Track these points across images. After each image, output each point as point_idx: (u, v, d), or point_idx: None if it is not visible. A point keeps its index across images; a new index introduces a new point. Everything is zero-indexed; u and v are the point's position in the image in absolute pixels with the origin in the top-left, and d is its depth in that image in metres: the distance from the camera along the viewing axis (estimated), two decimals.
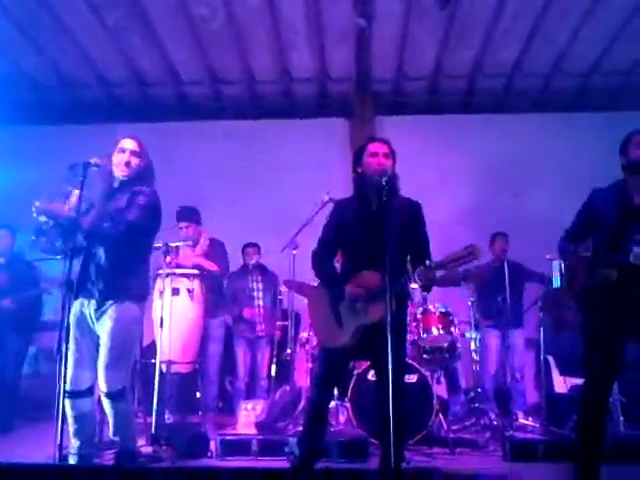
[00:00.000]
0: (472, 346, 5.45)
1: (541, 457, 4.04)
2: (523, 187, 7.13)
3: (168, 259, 4.77)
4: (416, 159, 6.43)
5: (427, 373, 4.61)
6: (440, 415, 4.58)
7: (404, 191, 3.43)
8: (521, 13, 6.14)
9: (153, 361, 4.54)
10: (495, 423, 4.90)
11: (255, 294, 5.85)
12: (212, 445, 4.18)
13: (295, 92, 7.60)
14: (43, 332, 5.80)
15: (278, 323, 5.79)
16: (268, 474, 2.81)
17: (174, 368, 4.71)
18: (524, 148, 7.17)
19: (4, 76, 6.99)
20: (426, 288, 3.43)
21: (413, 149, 6.31)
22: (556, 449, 4.01)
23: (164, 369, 4.59)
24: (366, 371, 4.53)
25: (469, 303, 5.52)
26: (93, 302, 3.34)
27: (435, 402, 4.49)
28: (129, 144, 3.48)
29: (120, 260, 3.34)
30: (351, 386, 4.54)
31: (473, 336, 5.44)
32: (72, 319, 3.23)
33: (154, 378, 4.41)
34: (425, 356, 4.92)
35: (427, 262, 3.09)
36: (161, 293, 4.65)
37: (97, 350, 3.34)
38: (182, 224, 5.29)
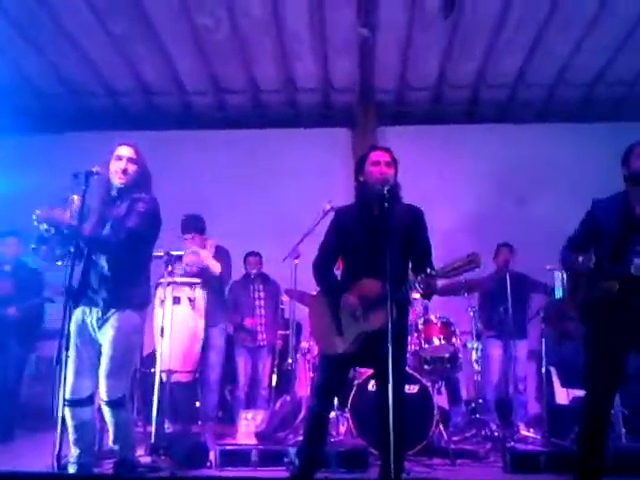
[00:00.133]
0: (473, 356, 5.43)
1: (542, 469, 4.01)
2: (526, 196, 7.12)
3: (170, 268, 4.77)
4: (419, 169, 6.45)
5: (428, 383, 4.59)
6: (441, 426, 4.56)
7: (407, 200, 3.42)
8: (524, 24, 6.15)
9: (153, 370, 4.53)
10: (496, 434, 4.86)
11: (257, 303, 5.85)
12: (211, 455, 4.16)
13: (299, 102, 7.64)
14: (45, 340, 5.79)
15: (279, 332, 5.79)
16: None
17: (174, 377, 4.70)
18: (527, 158, 7.17)
19: (8, 84, 7.04)
20: (427, 296, 3.42)
21: (416, 159, 6.32)
22: (557, 461, 3.99)
23: (164, 378, 4.58)
24: (366, 381, 4.51)
25: (471, 314, 5.50)
26: (95, 310, 3.34)
27: (436, 413, 4.46)
28: (126, 151, 3.48)
29: (121, 268, 3.34)
30: (351, 396, 4.52)
31: (475, 346, 5.42)
32: (73, 327, 3.23)
33: (154, 387, 4.40)
34: (426, 366, 4.90)
35: (428, 270, 3.08)
36: (162, 302, 4.65)
37: (98, 358, 3.33)
38: (187, 236, 5.29)
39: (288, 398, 5.07)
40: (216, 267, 5.17)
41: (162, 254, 4.59)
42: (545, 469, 4.00)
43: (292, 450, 4.02)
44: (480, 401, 5.29)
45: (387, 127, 7.46)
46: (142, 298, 3.51)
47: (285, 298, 5.72)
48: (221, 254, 5.35)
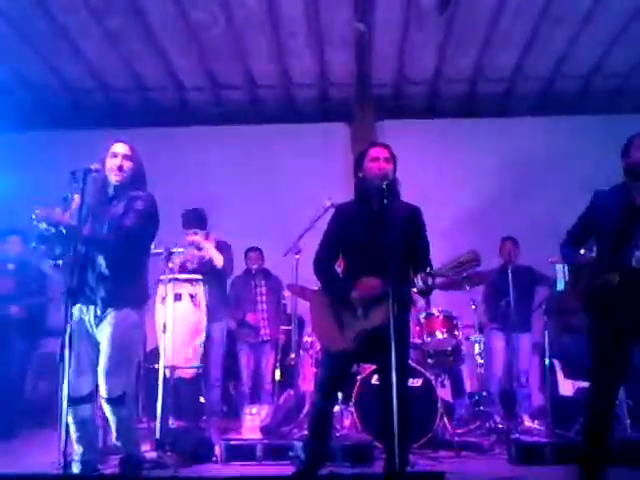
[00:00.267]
0: (476, 349, 5.43)
1: (547, 460, 4.01)
2: (525, 190, 7.13)
3: (170, 264, 4.76)
4: (417, 163, 6.44)
5: (431, 377, 4.60)
6: (445, 418, 4.56)
7: (406, 195, 3.43)
8: (520, 17, 6.14)
9: (156, 366, 4.53)
10: (500, 426, 4.87)
11: (259, 299, 5.85)
12: (217, 450, 4.16)
13: (296, 97, 7.62)
14: (48, 338, 5.81)
15: (282, 328, 5.78)
16: (273, 479, 2.82)
17: (177, 373, 4.70)
18: (526, 151, 7.17)
19: (5, 82, 7.01)
20: (424, 293, 3.40)
21: (414, 153, 6.32)
22: (562, 452, 4.00)
23: (168, 374, 4.58)
24: (370, 375, 4.51)
25: (473, 307, 5.50)
26: (92, 308, 3.34)
27: (440, 405, 4.47)
28: (121, 148, 3.47)
29: (119, 266, 3.33)
30: (355, 390, 4.52)
31: (477, 339, 5.43)
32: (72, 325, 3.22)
33: (158, 383, 4.40)
34: (429, 360, 4.90)
35: (428, 269, 3.11)
36: (163, 299, 4.64)
37: (97, 356, 3.33)
38: (188, 230, 5.28)
39: (292, 392, 5.08)
40: (219, 260, 5.16)
41: (162, 251, 4.58)
42: (550, 460, 4.00)
43: (297, 444, 4.03)
44: (484, 393, 5.29)
45: (385, 121, 7.45)
46: (140, 295, 3.51)
47: (287, 293, 5.72)
48: (223, 249, 5.35)
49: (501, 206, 7.05)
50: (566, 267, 4.15)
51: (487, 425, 4.91)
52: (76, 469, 3.26)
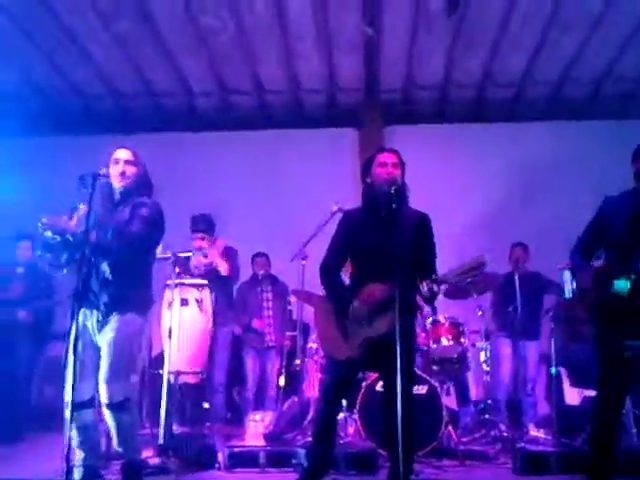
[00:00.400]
0: (482, 357, 5.39)
1: (552, 470, 3.97)
2: (534, 195, 7.10)
3: (177, 269, 4.77)
4: (426, 168, 6.42)
5: (437, 384, 4.56)
6: (450, 427, 4.53)
7: (414, 201, 3.42)
8: (529, 21, 6.11)
9: (161, 371, 4.53)
10: (506, 435, 4.82)
11: (265, 304, 5.85)
12: (220, 456, 4.15)
13: (304, 102, 7.63)
14: (55, 342, 5.83)
15: (287, 333, 5.78)
16: None
17: (182, 378, 4.70)
18: (535, 156, 7.14)
19: (15, 88, 7.06)
20: (429, 300, 3.38)
21: (423, 158, 6.30)
22: (568, 461, 3.96)
23: (172, 380, 4.58)
24: (375, 382, 4.48)
25: (479, 313, 5.46)
26: (95, 313, 3.35)
27: (445, 413, 4.43)
28: (122, 154, 3.48)
29: (123, 272, 3.34)
30: (359, 397, 4.49)
31: (484, 346, 5.39)
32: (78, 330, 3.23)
33: (162, 389, 4.40)
34: (434, 367, 4.88)
35: (433, 276, 3.10)
36: (170, 304, 4.64)
37: (99, 361, 3.33)
38: (196, 235, 5.29)
39: (296, 399, 5.06)
40: (223, 267, 5.17)
41: (169, 255, 4.58)
42: (555, 470, 3.96)
43: (301, 451, 4.01)
44: (489, 401, 5.25)
45: (393, 126, 7.44)
46: (144, 301, 3.51)
47: (293, 299, 5.71)
48: (230, 254, 5.35)
49: (510, 211, 7.02)
50: (575, 274, 4.10)
51: (492, 434, 4.86)
52: (77, 475, 3.25)
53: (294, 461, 4.03)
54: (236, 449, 4.22)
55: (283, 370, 5.50)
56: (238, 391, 5.92)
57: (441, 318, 4.97)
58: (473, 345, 5.30)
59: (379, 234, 3.25)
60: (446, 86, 7.28)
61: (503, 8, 5.96)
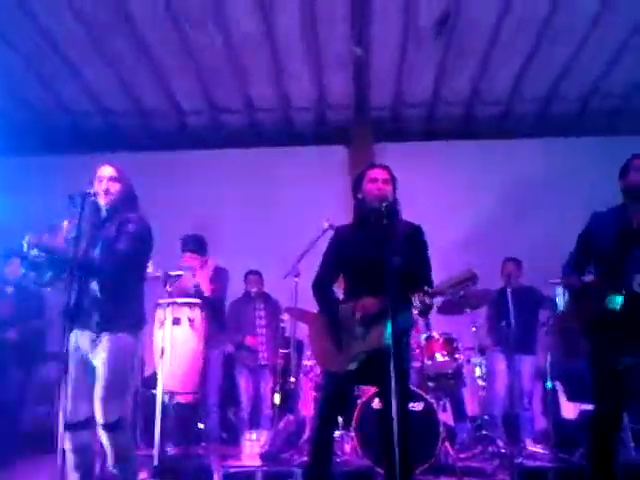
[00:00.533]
0: (477, 372, 5.38)
1: None
2: (524, 211, 7.14)
3: (169, 288, 4.73)
4: (416, 185, 6.43)
5: (432, 400, 4.54)
6: (447, 443, 4.50)
7: (404, 217, 3.42)
8: (517, 39, 6.20)
9: (154, 392, 4.47)
10: (503, 451, 4.79)
11: (258, 322, 5.81)
12: (216, 477, 4.11)
13: (294, 120, 7.67)
14: (46, 363, 5.76)
15: (281, 351, 5.73)
16: None
17: (176, 399, 4.64)
18: (524, 172, 7.19)
19: (6, 106, 7.04)
20: (423, 313, 3.37)
21: (413, 175, 6.31)
22: (566, 477, 3.95)
23: (166, 400, 4.53)
24: (370, 399, 4.46)
25: (473, 329, 5.46)
26: (88, 333, 3.31)
27: (441, 430, 4.40)
28: (105, 171, 3.46)
29: (113, 291, 3.31)
30: (355, 415, 4.46)
31: (478, 362, 5.37)
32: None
33: (155, 409, 4.34)
34: (430, 383, 4.86)
35: (425, 288, 3.10)
36: (162, 323, 4.61)
37: (93, 381, 3.29)
38: (187, 255, 5.26)
39: (292, 417, 5.02)
40: (206, 288, 5.11)
41: (160, 274, 4.56)
42: None
43: (297, 471, 3.97)
44: (486, 417, 5.23)
45: (383, 144, 7.47)
46: (135, 319, 3.47)
47: (285, 317, 5.68)
48: (219, 275, 5.31)
49: (500, 227, 7.04)
50: (567, 289, 4.11)
51: (490, 449, 4.82)
52: None
53: None
54: (232, 469, 4.19)
55: (278, 388, 5.45)
56: (234, 411, 5.85)
57: (435, 334, 4.97)
58: (468, 361, 5.29)
59: (370, 248, 3.23)
60: (435, 103, 7.34)
61: (491, 25, 6.04)
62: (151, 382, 4.85)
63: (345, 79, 6.84)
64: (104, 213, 3.46)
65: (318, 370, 4.88)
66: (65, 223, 3.27)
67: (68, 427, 3.05)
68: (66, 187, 3.26)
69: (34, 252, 3.20)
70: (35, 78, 6.74)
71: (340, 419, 4.45)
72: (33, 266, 3.27)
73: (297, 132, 7.82)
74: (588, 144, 7.30)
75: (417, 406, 4.43)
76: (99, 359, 3.27)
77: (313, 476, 3.32)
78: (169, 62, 6.51)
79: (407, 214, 3.43)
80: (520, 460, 4.41)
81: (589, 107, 7.40)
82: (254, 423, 5.58)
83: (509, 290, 5.24)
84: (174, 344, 4.53)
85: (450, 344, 4.94)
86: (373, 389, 4.26)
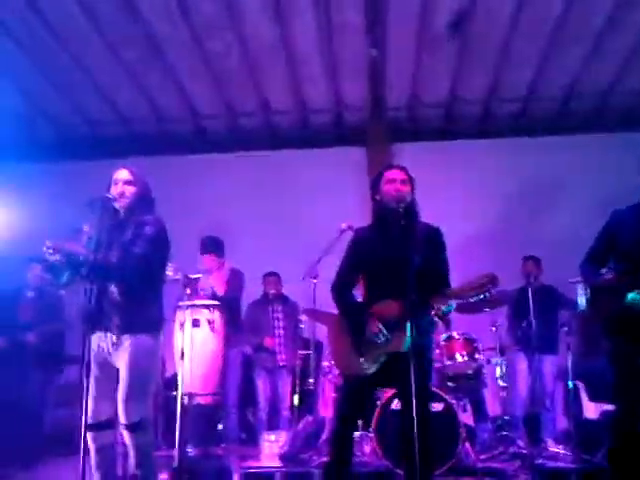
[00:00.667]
0: (498, 372, 5.34)
1: None
2: (543, 209, 7.10)
3: (188, 290, 4.77)
4: (433, 185, 6.41)
5: (453, 401, 4.51)
6: (467, 444, 4.48)
7: (423, 217, 3.40)
8: (533, 37, 6.16)
9: (175, 393, 4.51)
10: (524, 451, 4.75)
11: (276, 323, 5.83)
12: (235, 478, 4.13)
13: (311, 122, 7.68)
14: (67, 365, 5.83)
15: (299, 352, 5.75)
16: None
17: (195, 400, 4.67)
18: (542, 170, 7.13)
19: (23, 114, 7.14)
20: (441, 317, 3.36)
21: (431, 175, 6.29)
22: (588, 477, 3.90)
23: (186, 401, 4.56)
24: (390, 401, 4.44)
25: (493, 329, 5.42)
26: (109, 335, 3.34)
27: (462, 430, 4.38)
28: (121, 175, 3.49)
29: (132, 293, 3.34)
30: (375, 416, 4.45)
31: (499, 362, 5.33)
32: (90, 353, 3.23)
33: (176, 410, 4.38)
34: (450, 383, 4.84)
35: (445, 290, 3.08)
36: (182, 325, 4.65)
37: (115, 382, 3.33)
38: (205, 257, 5.30)
39: (310, 418, 5.02)
40: (220, 289, 5.16)
41: (180, 277, 4.59)
42: None
43: (316, 472, 3.97)
44: (507, 417, 5.19)
45: (400, 144, 7.46)
46: (155, 321, 3.49)
47: (304, 318, 5.69)
48: (235, 277, 5.35)
49: (519, 225, 7.00)
50: (587, 288, 4.08)
51: (511, 450, 4.79)
52: None
53: None
54: (251, 470, 4.19)
55: (297, 389, 5.46)
56: (252, 412, 5.87)
57: (455, 334, 4.94)
58: (488, 361, 5.26)
59: (389, 250, 3.23)
60: (451, 103, 7.31)
61: (505, 25, 6.02)
62: (171, 384, 4.90)
63: (361, 80, 6.83)
64: (121, 216, 3.50)
65: (337, 371, 4.88)
66: (85, 227, 3.30)
67: (90, 427, 3.09)
68: (85, 193, 3.31)
69: (55, 257, 3.24)
70: (53, 87, 6.84)
71: (359, 421, 4.43)
72: (51, 268, 3.31)
73: (314, 134, 7.83)
74: (607, 141, 7.22)
75: (437, 407, 4.41)
76: (121, 361, 3.31)
77: (332, 477, 3.32)
78: (187, 68, 6.58)
79: (425, 213, 3.41)
80: (541, 461, 4.38)
81: (607, 104, 7.31)
82: (273, 424, 5.60)
83: (530, 289, 5.21)
84: (194, 346, 4.57)
85: (470, 344, 4.92)
86: (392, 390, 4.24)
